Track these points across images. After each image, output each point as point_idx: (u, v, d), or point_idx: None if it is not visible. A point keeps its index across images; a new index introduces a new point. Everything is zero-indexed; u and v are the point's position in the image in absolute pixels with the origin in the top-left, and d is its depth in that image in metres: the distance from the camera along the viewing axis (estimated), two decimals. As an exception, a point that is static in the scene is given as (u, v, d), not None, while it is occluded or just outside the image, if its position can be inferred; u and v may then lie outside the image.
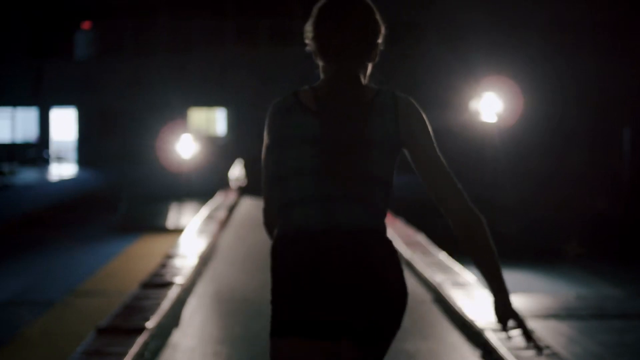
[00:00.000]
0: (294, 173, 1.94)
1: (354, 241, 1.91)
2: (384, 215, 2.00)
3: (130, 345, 4.25)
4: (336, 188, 1.93)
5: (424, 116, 2.06)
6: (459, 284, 5.97)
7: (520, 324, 2.02)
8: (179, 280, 6.00)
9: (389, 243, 1.97)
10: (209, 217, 10.21)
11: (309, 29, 2.10)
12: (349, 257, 1.90)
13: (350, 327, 1.93)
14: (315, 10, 2.09)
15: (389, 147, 1.98)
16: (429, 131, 2.04)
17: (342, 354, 1.96)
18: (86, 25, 27.36)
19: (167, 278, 6.06)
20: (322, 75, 2.07)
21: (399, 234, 8.79)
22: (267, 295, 5.59)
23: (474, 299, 5.46)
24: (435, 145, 2.04)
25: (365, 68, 2.08)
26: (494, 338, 4.47)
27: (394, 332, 1.99)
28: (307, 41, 2.11)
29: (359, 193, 1.94)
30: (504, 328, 2.03)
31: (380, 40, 2.10)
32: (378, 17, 2.08)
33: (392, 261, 1.96)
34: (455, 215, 2.05)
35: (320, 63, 2.08)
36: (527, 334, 2.01)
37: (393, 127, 1.98)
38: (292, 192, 1.95)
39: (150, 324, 4.66)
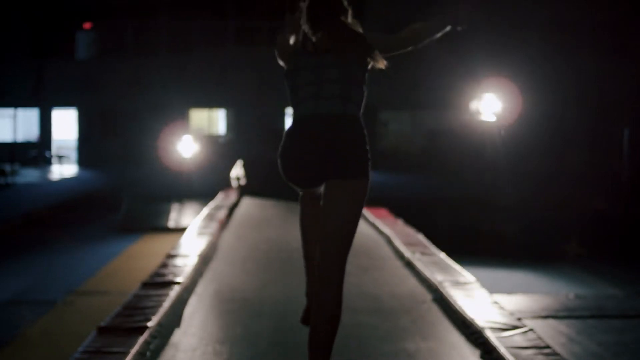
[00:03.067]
0: (301, 86, 3.21)
1: (331, 120, 3.13)
2: (358, 108, 3.21)
3: (131, 345, 4.27)
4: (324, 92, 3.16)
5: (371, 34, 3.25)
6: (459, 284, 5.99)
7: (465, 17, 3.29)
8: (180, 279, 6.02)
9: (358, 123, 3.17)
10: (210, 217, 10.23)
11: (303, 5, 3.22)
12: (326, 131, 3.11)
13: (328, 172, 3.12)
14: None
15: (360, 74, 3.20)
16: (376, 35, 3.25)
17: (329, 188, 3.15)
18: (87, 25, 27.37)
19: (168, 278, 6.08)
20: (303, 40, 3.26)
21: (399, 234, 8.81)
22: (268, 295, 5.65)
23: (474, 299, 5.48)
24: (382, 35, 3.27)
25: (342, 32, 3.18)
26: (494, 337, 4.49)
27: (360, 174, 3.13)
28: (300, 15, 3.22)
29: (339, 93, 3.15)
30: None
31: (345, 5, 3.24)
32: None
33: (357, 132, 3.15)
34: (419, 30, 3.34)
35: (306, 28, 3.20)
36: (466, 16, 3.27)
37: (362, 58, 3.18)
38: (299, 97, 3.22)
39: (151, 323, 4.68)
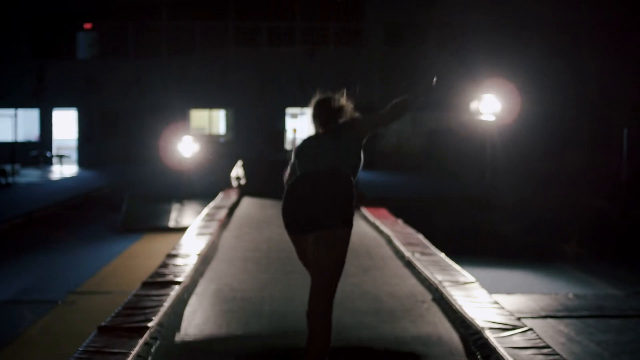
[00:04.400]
0: (305, 158, 4.01)
1: (325, 175, 3.91)
2: (350, 170, 3.95)
3: (131, 345, 4.28)
4: (321, 158, 3.97)
5: (362, 116, 4.14)
6: (459, 284, 6.01)
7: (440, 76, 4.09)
8: (180, 279, 6.04)
9: (348, 180, 3.91)
10: (210, 217, 10.25)
11: (309, 110, 4.19)
12: (321, 182, 3.89)
13: (319, 222, 3.83)
14: (313, 102, 4.19)
15: (353, 146, 4.02)
16: (365, 117, 4.14)
17: (319, 236, 3.83)
18: (87, 26, 27.37)
19: (169, 277, 6.10)
20: (314, 130, 4.20)
21: (399, 234, 8.82)
22: (267, 295, 5.71)
23: (473, 299, 5.50)
24: (369, 116, 4.14)
25: (337, 121, 4.13)
26: (493, 337, 4.50)
27: (346, 222, 3.86)
28: (312, 115, 4.18)
29: (334, 157, 3.96)
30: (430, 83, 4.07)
31: (341, 107, 4.13)
32: (337, 99, 4.15)
33: (346, 186, 3.90)
34: (399, 105, 4.10)
35: (313, 125, 4.18)
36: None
37: (353, 135, 4.05)
38: (303, 165, 4.00)
39: (151, 323, 4.69)
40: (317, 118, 4.16)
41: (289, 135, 27.07)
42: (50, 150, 27.03)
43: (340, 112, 4.15)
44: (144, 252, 9.76)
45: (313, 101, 4.25)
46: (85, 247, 10.22)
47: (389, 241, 8.69)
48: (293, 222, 3.92)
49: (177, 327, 5.07)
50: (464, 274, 6.44)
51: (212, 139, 26.73)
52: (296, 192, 3.93)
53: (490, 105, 13.53)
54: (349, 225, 3.89)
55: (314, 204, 3.86)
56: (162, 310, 5.04)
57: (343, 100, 4.18)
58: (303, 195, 3.90)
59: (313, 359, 3.80)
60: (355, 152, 4.01)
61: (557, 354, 4.21)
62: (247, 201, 13.63)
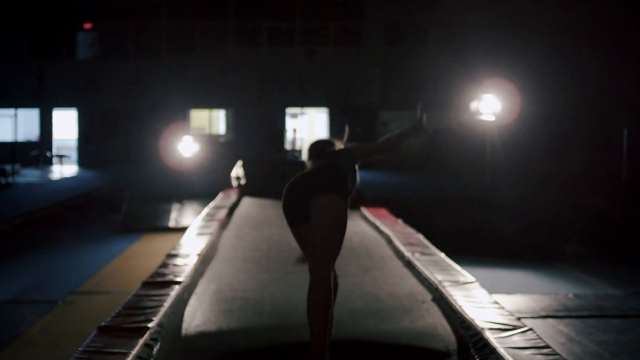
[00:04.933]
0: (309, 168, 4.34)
1: (322, 166, 4.23)
2: (343, 167, 4.26)
3: (131, 345, 4.28)
4: (319, 164, 4.28)
5: (358, 144, 4.49)
6: (459, 284, 6.00)
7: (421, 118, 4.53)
8: (180, 279, 6.03)
9: (340, 168, 4.23)
10: (210, 217, 10.25)
11: (310, 148, 4.51)
12: (317, 170, 4.22)
13: (311, 192, 4.09)
14: (312, 143, 4.54)
15: (350, 162, 4.31)
16: (361, 145, 4.51)
17: (315, 202, 4.06)
18: (87, 26, 27.38)
19: (169, 277, 6.10)
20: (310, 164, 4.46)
21: (399, 234, 8.82)
22: (267, 295, 5.74)
23: (473, 299, 5.50)
24: (364, 144, 4.56)
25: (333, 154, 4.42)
26: (493, 338, 4.50)
27: (339, 191, 4.10)
28: (309, 153, 4.48)
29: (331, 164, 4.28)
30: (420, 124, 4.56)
31: (335, 145, 4.46)
32: (332, 142, 4.48)
33: (339, 172, 4.20)
34: (391, 140, 4.54)
35: (312, 160, 4.41)
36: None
37: (350, 155, 4.35)
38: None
39: (151, 323, 4.69)
40: (313, 156, 4.50)
41: (289, 135, 27.08)
42: (50, 150, 27.04)
43: (334, 149, 4.54)
44: (144, 252, 9.77)
45: (311, 144, 4.66)
46: (85, 247, 10.23)
47: (389, 241, 8.69)
48: (293, 218, 4.18)
49: (177, 327, 5.07)
50: (464, 274, 6.44)
51: (212, 139, 26.74)
52: (295, 189, 4.18)
53: (490, 105, 13.54)
54: (343, 194, 4.13)
55: (309, 181, 4.16)
56: (162, 310, 5.04)
57: (338, 143, 4.54)
58: (301, 193, 4.13)
59: (314, 357, 3.86)
60: (352, 167, 4.35)
61: (557, 354, 4.21)
62: (247, 201, 13.63)
